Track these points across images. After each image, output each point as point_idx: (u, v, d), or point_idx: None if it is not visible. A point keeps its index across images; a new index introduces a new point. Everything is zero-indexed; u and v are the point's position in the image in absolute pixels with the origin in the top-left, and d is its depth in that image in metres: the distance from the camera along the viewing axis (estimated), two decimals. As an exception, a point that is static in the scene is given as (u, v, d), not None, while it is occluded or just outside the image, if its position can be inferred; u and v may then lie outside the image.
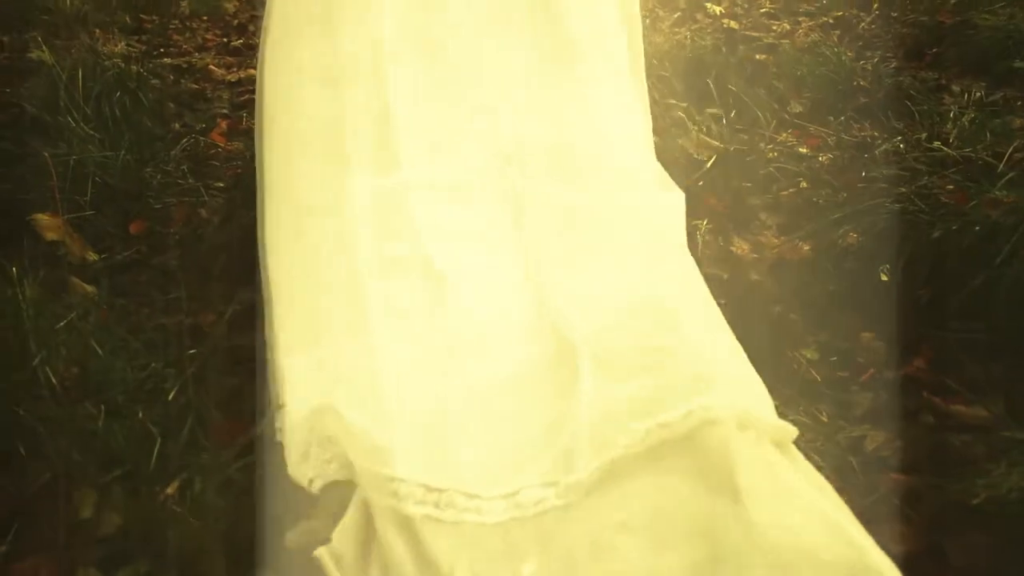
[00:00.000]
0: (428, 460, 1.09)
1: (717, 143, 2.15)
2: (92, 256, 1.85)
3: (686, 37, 3.09)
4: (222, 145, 2.29)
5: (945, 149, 2.17)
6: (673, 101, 2.29)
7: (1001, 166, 1.84)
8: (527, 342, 1.25)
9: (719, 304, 1.43)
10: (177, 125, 2.49)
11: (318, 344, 1.22)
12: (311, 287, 1.30)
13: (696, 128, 2.22)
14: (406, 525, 1.03)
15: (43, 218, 1.89)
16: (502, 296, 1.30)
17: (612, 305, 1.29)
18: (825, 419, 1.49)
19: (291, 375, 1.19)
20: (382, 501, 1.05)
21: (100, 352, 1.35)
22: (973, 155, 2.18)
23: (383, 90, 1.42)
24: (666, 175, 1.59)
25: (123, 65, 2.61)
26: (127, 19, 3.80)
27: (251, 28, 3.73)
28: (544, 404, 1.17)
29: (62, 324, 1.39)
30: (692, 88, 2.47)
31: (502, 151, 1.43)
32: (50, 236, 1.86)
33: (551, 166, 1.45)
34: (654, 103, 2.33)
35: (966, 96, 2.56)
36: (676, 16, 3.67)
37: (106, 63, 2.58)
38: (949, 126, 2.38)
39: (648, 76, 2.38)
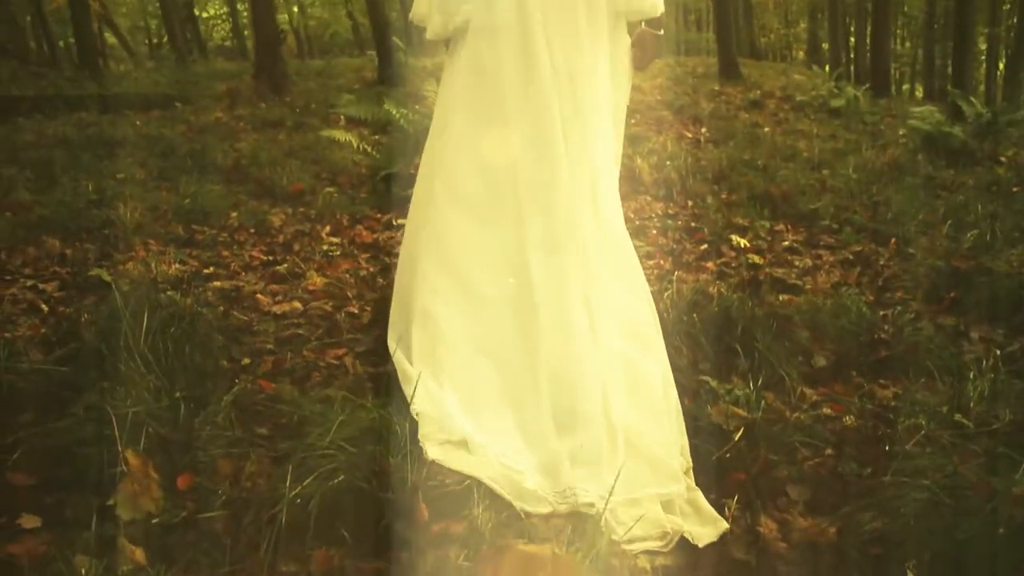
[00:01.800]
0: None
1: (744, 412, 2.21)
2: (150, 508, 1.90)
3: (712, 281, 3.22)
4: (268, 390, 2.37)
5: (966, 423, 2.24)
6: (704, 377, 2.38)
7: None
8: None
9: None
10: (224, 361, 2.59)
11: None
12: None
13: (725, 393, 2.29)
14: None
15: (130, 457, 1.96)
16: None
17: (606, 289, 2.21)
18: None
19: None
20: None
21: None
22: (995, 424, 2.24)
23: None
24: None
25: (178, 298, 2.76)
26: (180, 230, 4.02)
27: (296, 247, 3.90)
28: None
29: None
30: (719, 344, 2.57)
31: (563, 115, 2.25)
32: (133, 462, 1.92)
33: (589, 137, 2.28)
34: (685, 368, 2.43)
35: (985, 359, 2.63)
36: (703, 248, 3.83)
37: (162, 296, 2.73)
38: (969, 388, 2.45)
39: (677, 334, 2.50)
